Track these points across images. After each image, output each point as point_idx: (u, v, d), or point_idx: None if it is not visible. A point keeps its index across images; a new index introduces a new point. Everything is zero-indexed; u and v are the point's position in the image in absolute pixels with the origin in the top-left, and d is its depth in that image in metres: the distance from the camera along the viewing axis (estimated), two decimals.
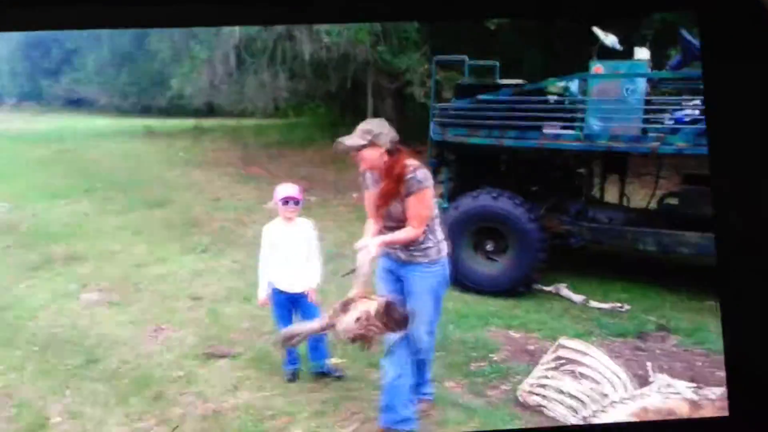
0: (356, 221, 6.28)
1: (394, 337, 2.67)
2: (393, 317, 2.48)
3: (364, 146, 2.63)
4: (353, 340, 2.50)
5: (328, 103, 12.42)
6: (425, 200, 2.64)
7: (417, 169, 2.63)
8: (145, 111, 16.03)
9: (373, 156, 2.64)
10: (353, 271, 2.60)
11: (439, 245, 2.76)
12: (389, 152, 2.65)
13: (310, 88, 10.07)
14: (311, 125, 13.12)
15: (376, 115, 10.11)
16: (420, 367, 2.91)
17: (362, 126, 2.70)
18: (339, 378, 3.30)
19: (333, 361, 3.40)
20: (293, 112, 13.72)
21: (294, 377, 3.30)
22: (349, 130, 2.74)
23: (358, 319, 2.44)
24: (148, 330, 3.93)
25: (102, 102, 17.64)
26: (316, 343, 3.26)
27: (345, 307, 2.49)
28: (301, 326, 2.88)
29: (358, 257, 2.58)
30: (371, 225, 2.77)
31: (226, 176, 9.32)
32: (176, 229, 6.44)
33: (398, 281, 2.80)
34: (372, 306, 2.47)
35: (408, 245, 2.69)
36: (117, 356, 3.54)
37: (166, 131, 13.72)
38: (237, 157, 10.50)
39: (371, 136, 2.63)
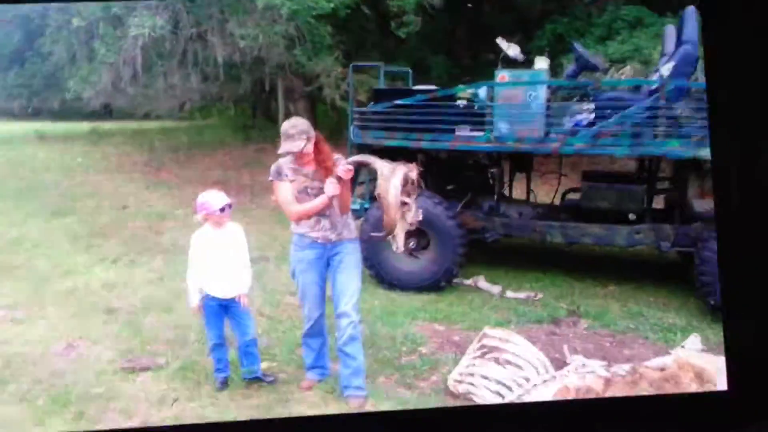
0: (276, 224, 6.22)
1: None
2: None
3: (306, 146, 2.95)
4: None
5: (239, 105, 12.13)
6: None
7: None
8: (36, 114, 14.81)
9: (311, 150, 2.98)
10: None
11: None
12: (315, 143, 3.01)
13: (222, 91, 9.83)
14: (221, 127, 12.71)
15: (288, 116, 10.06)
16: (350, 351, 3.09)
17: (294, 128, 2.96)
18: (271, 383, 3.27)
19: (264, 365, 3.38)
20: (200, 113, 13.27)
21: (224, 385, 3.24)
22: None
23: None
24: (59, 347, 3.69)
25: None
26: (248, 348, 3.23)
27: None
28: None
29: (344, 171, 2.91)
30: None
31: (132, 182, 8.82)
32: (81, 240, 6.05)
33: (326, 267, 3.11)
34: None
35: (335, 224, 3.05)
36: (28, 376, 3.30)
37: (60, 136, 12.75)
38: (143, 162, 9.98)
39: (306, 135, 2.96)
